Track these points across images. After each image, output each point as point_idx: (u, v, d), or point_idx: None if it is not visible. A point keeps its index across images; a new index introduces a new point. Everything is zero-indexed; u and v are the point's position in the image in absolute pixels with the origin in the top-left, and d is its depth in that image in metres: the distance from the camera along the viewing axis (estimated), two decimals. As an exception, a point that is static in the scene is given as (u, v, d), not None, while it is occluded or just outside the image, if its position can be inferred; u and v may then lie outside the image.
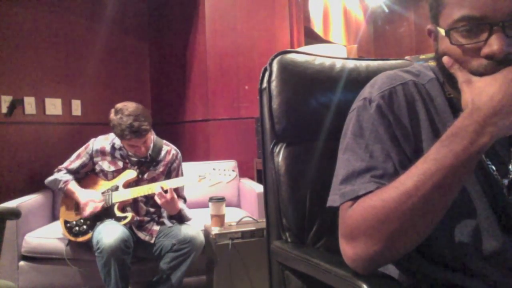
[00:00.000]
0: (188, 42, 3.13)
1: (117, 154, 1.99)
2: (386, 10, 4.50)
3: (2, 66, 2.49)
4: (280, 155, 0.94)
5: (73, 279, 2.00)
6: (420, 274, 0.71)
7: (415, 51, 4.17)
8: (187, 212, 2.00)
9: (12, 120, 2.52)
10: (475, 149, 0.55)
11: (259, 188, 2.31)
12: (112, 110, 1.90)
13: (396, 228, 0.59)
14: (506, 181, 0.67)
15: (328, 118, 0.95)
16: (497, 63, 0.59)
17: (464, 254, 0.65)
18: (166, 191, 1.83)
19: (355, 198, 0.65)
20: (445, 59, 0.65)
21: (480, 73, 0.60)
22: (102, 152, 1.99)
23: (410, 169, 0.59)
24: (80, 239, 1.91)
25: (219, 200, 1.83)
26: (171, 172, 2.05)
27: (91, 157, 2.00)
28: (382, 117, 0.69)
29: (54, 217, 2.35)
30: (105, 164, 1.98)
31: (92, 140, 2.04)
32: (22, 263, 2.02)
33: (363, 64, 1.03)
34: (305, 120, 0.96)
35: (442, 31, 0.65)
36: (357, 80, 0.97)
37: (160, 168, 2.02)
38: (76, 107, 2.88)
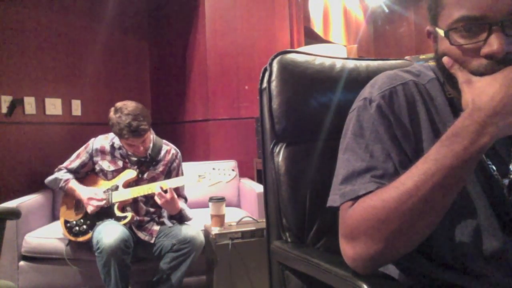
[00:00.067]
0: (188, 42, 3.13)
1: (117, 153, 1.99)
2: (386, 10, 4.50)
3: (2, 66, 2.49)
4: (280, 155, 0.94)
5: (73, 279, 2.00)
6: (420, 274, 0.71)
7: (415, 51, 4.17)
8: (188, 211, 2.00)
9: (12, 120, 2.53)
10: (475, 149, 0.55)
11: (259, 188, 2.31)
12: (112, 109, 1.90)
13: (396, 228, 0.59)
14: (506, 181, 0.67)
15: (328, 118, 0.95)
16: (497, 63, 0.59)
17: (464, 254, 0.65)
18: (165, 191, 1.83)
19: (355, 198, 0.65)
20: (445, 59, 0.65)
21: (480, 73, 0.60)
22: (101, 152, 1.99)
23: (411, 169, 0.59)
24: (80, 239, 1.90)
25: (219, 200, 1.83)
26: (171, 171, 2.05)
27: (91, 156, 2.00)
28: (382, 117, 0.69)
29: (54, 217, 2.35)
30: (104, 164, 1.98)
31: (92, 139, 2.04)
32: (22, 263, 2.02)
33: (363, 64, 1.03)
34: (305, 120, 0.96)
35: (441, 32, 0.65)
36: (357, 80, 0.97)
37: (160, 168, 2.02)
38: (76, 107, 2.88)
